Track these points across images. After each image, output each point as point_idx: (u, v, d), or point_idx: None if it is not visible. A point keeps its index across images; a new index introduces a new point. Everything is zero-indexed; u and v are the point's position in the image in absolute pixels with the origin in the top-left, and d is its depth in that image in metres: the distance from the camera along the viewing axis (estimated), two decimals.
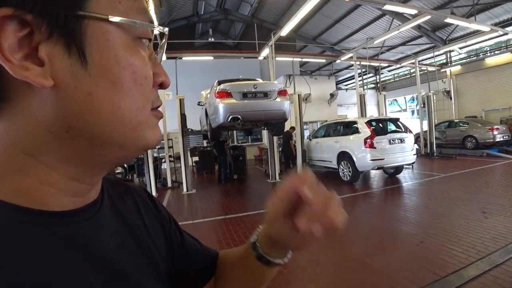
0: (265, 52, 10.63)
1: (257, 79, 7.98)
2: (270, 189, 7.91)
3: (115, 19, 0.30)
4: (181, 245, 0.56)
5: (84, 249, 0.33)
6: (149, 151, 8.51)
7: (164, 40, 0.38)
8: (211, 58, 12.85)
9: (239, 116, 6.35)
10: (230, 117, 6.33)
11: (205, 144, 12.87)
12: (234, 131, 14.19)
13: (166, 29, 0.37)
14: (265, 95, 6.48)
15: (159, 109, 0.38)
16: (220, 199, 7.31)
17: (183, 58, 12.04)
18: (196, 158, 12.37)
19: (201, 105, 8.66)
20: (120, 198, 0.47)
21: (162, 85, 0.38)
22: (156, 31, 0.36)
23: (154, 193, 8.11)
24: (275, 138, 8.99)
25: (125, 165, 9.78)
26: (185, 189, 8.23)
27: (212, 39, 15.81)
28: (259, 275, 0.55)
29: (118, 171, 9.72)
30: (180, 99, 9.03)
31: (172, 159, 9.73)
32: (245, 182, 9.42)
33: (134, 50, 0.33)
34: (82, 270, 0.32)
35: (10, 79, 0.27)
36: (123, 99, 0.32)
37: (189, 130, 9.17)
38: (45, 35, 0.28)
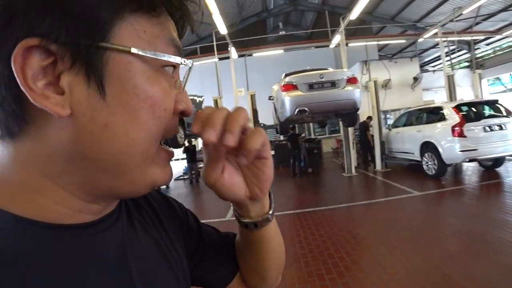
0: (336, 39, 10.12)
1: (328, 68, 7.64)
2: (346, 183, 7.60)
3: (137, 51, 0.30)
4: (199, 239, 0.56)
5: (102, 259, 0.34)
6: None
7: (188, 72, 0.38)
8: (281, 51, 12.82)
9: (306, 109, 6.20)
10: (297, 110, 6.23)
11: (281, 138, 13.02)
12: (311, 123, 13.90)
13: (190, 61, 0.36)
14: (333, 84, 6.18)
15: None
16: (293, 193, 7.26)
17: (254, 55, 12.30)
18: (272, 152, 12.52)
19: (272, 99, 8.74)
20: (137, 204, 0.47)
21: (183, 114, 0.37)
22: (180, 61, 0.35)
23: None
24: (350, 129, 8.52)
25: None
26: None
27: (283, 32, 15.73)
28: (252, 244, 0.52)
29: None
30: (251, 95, 9.30)
31: None
32: (319, 176, 9.19)
33: (155, 80, 0.32)
34: (101, 279, 0.33)
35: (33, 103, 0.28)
36: (138, 131, 0.31)
37: (261, 124, 9.35)
38: (67, 65, 0.28)
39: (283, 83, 6.42)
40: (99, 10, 0.28)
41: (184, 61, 0.35)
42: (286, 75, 6.94)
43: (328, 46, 11.86)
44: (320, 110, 6.37)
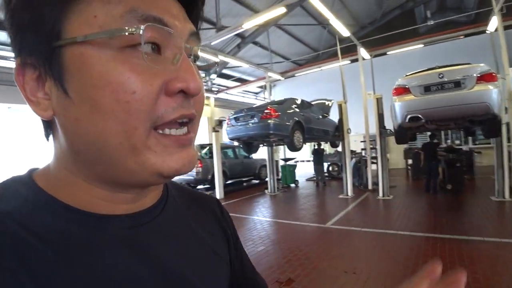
0: (493, 22, 7.96)
1: (466, 63, 6.21)
2: (493, 210, 5.93)
3: (81, 38, 0.29)
4: (240, 266, 0.55)
5: (141, 250, 0.35)
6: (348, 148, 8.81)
7: (182, 38, 0.34)
8: (421, 46, 11.11)
9: (420, 115, 5.37)
10: (408, 117, 5.50)
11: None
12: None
13: (142, 27, 0.30)
14: (457, 84, 5.10)
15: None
16: (420, 212, 6.27)
17: (388, 53, 11.21)
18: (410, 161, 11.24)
19: None
20: (186, 204, 0.48)
21: (185, 91, 0.32)
22: (140, 31, 0.30)
23: (349, 193, 8.34)
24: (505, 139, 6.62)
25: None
26: (380, 194, 7.86)
27: (431, 22, 13.40)
28: None
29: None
30: (377, 98, 8.68)
31: (375, 160, 9.41)
32: (459, 196, 7.41)
33: (117, 64, 0.30)
34: (137, 270, 0.34)
35: None
36: (106, 121, 0.30)
37: (388, 130, 8.57)
38: (43, 72, 0.31)
39: (394, 86, 5.78)
40: (45, 13, 0.29)
41: (141, 28, 0.30)
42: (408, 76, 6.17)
43: (484, 31, 9.39)
44: (439, 117, 5.37)
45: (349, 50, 10.67)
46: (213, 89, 14.40)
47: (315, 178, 11.41)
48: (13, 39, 0.32)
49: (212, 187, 10.07)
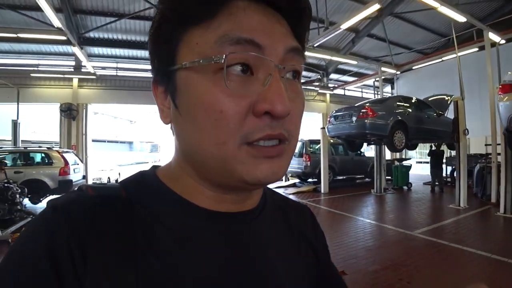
0: None
1: None
2: None
3: (186, 64, 0.35)
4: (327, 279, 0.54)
5: (236, 246, 0.40)
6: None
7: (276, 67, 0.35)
8: None
9: None
10: None
11: None
12: None
13: (241, 53, 0.34)
14: None
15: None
16: None
17: None
18: None
19: None
20: (278, 211, 0.51)
21: (271, 113, 0.34)
22: (222, 60, 0.33)
23: (462, 203, 7.35)
24: None
25: None
26: (501, 209, 6.60)
27: None
28: None
29: None
30: None
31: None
32: None
33: (210, 86, 0.34)
34: (232, 263, 0.38)
35: None
36: (201, 134, 0.35)
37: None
38: (166, 89, 0.39)
39: (501, 83, 4.92)
40: (167, 41, 0.37)
41: (225, 55, 0.33)
42: None
43: None
44: None
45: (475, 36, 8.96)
46: (329, 85, 14.64)
47: (437, 183, 10.22)
48: (151, 60, 0.41)
49: (319, 181, 10.54)
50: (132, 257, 0.33)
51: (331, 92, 14.30)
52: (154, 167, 0.45)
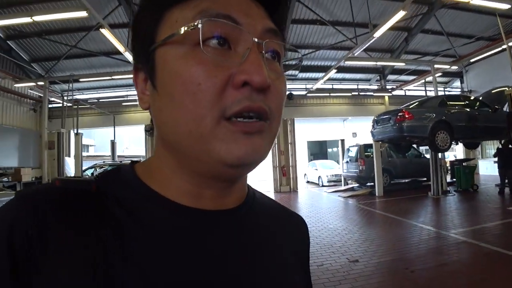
0: None
1: None
2: None
3: (162, 41, 0.35)
4: None
5: (212, 248, 0.37)
6: None
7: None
8: None
9: None
10: None
11: None
12: None
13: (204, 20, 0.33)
14: None
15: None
16: None
17: None
18: None
19: None
20: (273, 216, 0.48)
21: (250, 84, 0.33)
22: (199, 25, 0.32)
23: None
24: None
25: None
26: None
27: None
28: None
29: None
30: None
31: None
32: None
33: (188, 59, 0.33)
34: (206, 267, 0.35)
35: None
36: (178, 111, 0.34)
37: None
38: (146, 73, 0.38)
39: None
40: (147, 24, 0.37)
41: (200, 22, 0.32)
42: None
43: None
44: None
45: None
46: (387, 87, 14.22)
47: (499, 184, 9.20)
48: (132, 49, 0.41)
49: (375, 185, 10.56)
50: (93, 255, 0.30)
51: (389, 94, 13.86)
52: (133, 162, 0.43)
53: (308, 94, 13.57)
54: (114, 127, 13.58)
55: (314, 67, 13.40)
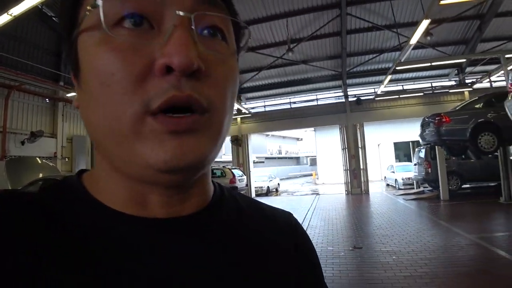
0: None
1: None
2: None
3: (78, 27, 0.30)
4: None
5: (161, 262, 0.31)
6: None
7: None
8: None
9: None
10: None
11: None
12: None
13: None
14: None
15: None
16: None
17: None
18: None
19: None
20: (242, 222, 0.40)
21: (173, 68, 0.27)
22: (99, 1, 0.27)
23: None
24: None
25: None
26: None
27: None
28: None
29: None
30: None
31: None
32: None
33: (99, 47, 0.28)
34: (152, 284, 0.29)
35: None
36: (98, 108, 0.29)
37: None
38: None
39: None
40: (72, 7, 0.31)
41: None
42: None
43: None
44: None
45: None
46: (466, 81, 12.75)
47: None
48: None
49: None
50: (21, 269, 0.26)
51: (470, 89, 12.45)
52: (82, 171, 0.38)
53: (376, 98, 13.60)
54: None
55: (379, 70, 13.37)
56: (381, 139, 21.14)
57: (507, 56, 9.57)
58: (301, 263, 0.42)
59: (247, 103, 15.69)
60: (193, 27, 0.29)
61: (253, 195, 15.40)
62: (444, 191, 9.94)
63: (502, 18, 10.51)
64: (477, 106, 7.47)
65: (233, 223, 0.39)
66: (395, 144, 21.11)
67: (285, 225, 0.44)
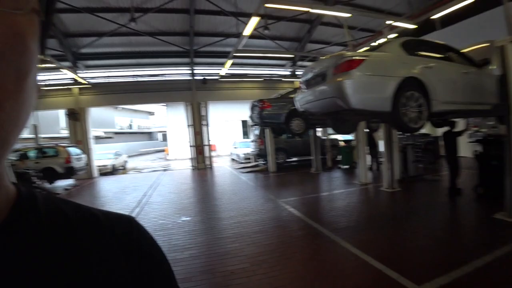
0: None
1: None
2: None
3: None
4: None
5: None
6: None
7: None
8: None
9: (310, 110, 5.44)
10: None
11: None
12: None
13: None
14: (323, 78, 4.87)
15: None
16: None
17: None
18: None
19: None
20: (55, 231, 0.34)
21: None
22: None
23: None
24: None
25: None
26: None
27: None
28: None
29: None
30: None
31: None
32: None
33: None
34: None
35: None
36: None
37: None
38: None
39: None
40: None
41: None
42: None
43: None
44: (316, 113, 5.38)
45: None
46: (296, 73, 15.40)
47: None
48: None
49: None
50: None
51: (299, 80, 15.11)
52: None
53: (221, 79, 14.52)
54: (35, 111, 13.81)
55: (226, 53, 14.27)
56: (229, 117, 22.95)
57: (321, 57, 11.99)
58: (144, 271, 0.39)
59: (86, 72, 13.86)
60: None
61: (95, 175, 14.10)
62: (273, 164, 11.91)
63: (325, 26, 12.95)
64: (291, 96, 9.10)
65: (49, 235, 0.33)
66: (243, 122, 23.26)
67: (122, 235, 0.39)
